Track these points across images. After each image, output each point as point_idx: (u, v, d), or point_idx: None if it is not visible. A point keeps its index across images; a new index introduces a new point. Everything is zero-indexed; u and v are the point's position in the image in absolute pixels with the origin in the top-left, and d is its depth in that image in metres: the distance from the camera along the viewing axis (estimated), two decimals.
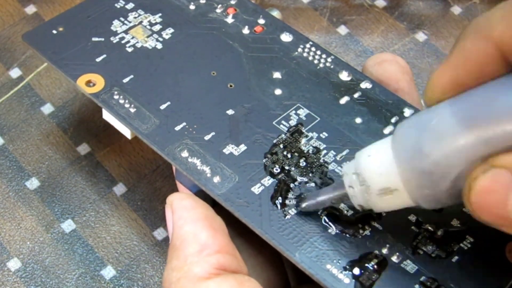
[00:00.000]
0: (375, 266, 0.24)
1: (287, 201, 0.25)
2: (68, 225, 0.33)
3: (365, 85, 0.29)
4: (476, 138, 0.19)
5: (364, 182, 0.22)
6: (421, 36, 0.39)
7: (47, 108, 0.36)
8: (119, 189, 0.34)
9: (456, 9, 0.40)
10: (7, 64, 0.37)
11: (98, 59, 0.29)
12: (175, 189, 0.34)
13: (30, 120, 0.35)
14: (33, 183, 0.34)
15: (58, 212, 0.33)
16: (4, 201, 0.33)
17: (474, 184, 0.19)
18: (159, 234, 0.33)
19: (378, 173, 0.21)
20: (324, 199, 0.24)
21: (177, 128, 0.27)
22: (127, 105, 0.28)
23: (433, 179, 0.20)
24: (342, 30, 0.39)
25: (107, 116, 0.28)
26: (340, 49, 0.39)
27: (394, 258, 0.24)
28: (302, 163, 0.26)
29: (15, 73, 0.37)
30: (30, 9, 0.39)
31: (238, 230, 0.27)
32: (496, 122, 0.19)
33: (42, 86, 0.37)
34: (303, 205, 0.25)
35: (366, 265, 0.24)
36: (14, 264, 0.32)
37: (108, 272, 0.32)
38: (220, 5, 0.32)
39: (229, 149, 0.26)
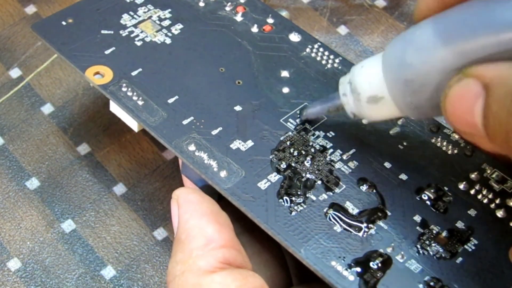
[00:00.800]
0: (380, 265, 0.24)
1: (293, 198, 0.25)
2: (68, 225, 0.33)
3: None
4: (452, 50, 0.20)
5: (355, 90, 0.24)
6: None
7: (47, 108, 0.36)
8: (119, 189, 0.34)
9: None
10: (7, 64, 0.37)
11: (107, 52, 0.30)
12: (175, 189, 0.34)
13: (30, 120, 0.35)
14: (33, 183, 0.34)
15: (58, 212, 0.33)
16: (4, 201, 0.33)
17: (448, 92, 0.20)
18: (159, 234, 0.33)
19: (367, 82, 0.23)
20: (322, 107, 0.26)
21: (185, 122, 0.27)
22: (135, 98, 0.28)
23: (414, 88, 0.22)
24: (342, 30, 0.39)
25: (114, 108, 0.28)
26: (340, 49, 0.39)
27: (399, 257, 0.24)
28: (308, 161, 0.26)
29: (15, 73, 0.37)
30: (30, 9, 0.39)
31: (242, 227, 0.27)
32: (470, 36, 0.20)
33: (42, 86, 0.37)
34: (304, 113, 0.27)
35: (371, 263, 0.24)
36: (14, 264, 0.32)
37: (108, 272, 0.32)
38: (229, 3, 0.32)
39: (236, 144, 0.27)
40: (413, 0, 0.40)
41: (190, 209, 0.24)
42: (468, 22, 0.20)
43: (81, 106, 0.36)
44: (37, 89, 0.36)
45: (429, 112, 0.22)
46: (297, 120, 0.27)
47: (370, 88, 0.23)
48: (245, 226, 0.27)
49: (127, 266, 0.32)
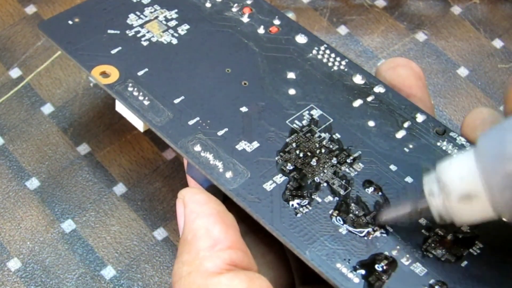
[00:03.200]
0: (385, 267, 0.23)
1: (298, 200, 0.25)
2: (68, 225, 0.33)
3: (378, 89, 0.29)
4: None
5: (444, 188, 0.22)
6: (421, 36, 0.39)
7: (47, 108, 0.36)
8: (119, 189, 0.34)
9: (456, 9, 0.40)
10: (7, 64, 0.37)
11: (113, 51, 0.29)
12: (175, 189, 0.34)
13: (30, 120, 0.35)
14: (33, 183, 0.34)
15: (58, 212, 0.33)
16: (4, 201, 0.33)
17: None
18: (159, 234, 0.33)
19: (459, 177, 0.21)
20: (405, 212, 0.24)
21: (191, 122, 0.27)
22: (141, 98, 0.28)
23: None
24: (342, 30, 0.39)
25: (120, 108, 0.28)
26: (340, 49, 0.39)
27: (404, 260, 0.24)
28: (314, 163, 0.26)
29: (15, 73, 0.37)
30: (30, 9, 0.39)
31: (246, 228, 0.27)
32: None
33: (42, 86, 0.37)
34: (383, 218, 0.25)
35: (376, 265, 0.24)
36: (14, 264, 0.32)
37: (108, 272, 0.32)
38: (236, 4, 0.32)
39: (242, 145, 0.27)
40: (413, 0, 0.40)
41: (197, 209, 0.24)
42: None
43: (81, 106, 0.36)
44: (37, 89, 0.36)
45: None
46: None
47: (462, 185, 0.21)
48: (249, 227, 0.27)
49: (127, 266, 0.32)
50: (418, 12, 0.40)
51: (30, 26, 0.38)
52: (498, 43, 0.39)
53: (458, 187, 0.21)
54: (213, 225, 0.24)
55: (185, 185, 0.34)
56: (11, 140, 0.35)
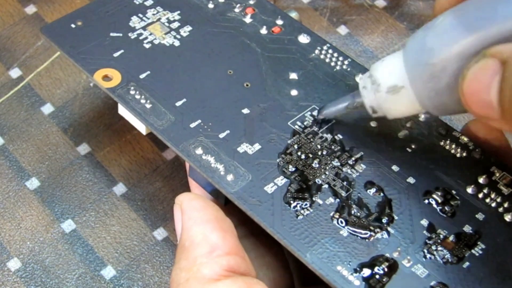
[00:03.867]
0: (386, 269, 0.23)
1: (299, 202, 0.25)
2: (68, 225, 0.33)
3: None
4: (472, 34, 0.21)
5: (375, 81, 0.24)
6: None
7: (47, 108, 0.36)
8: (119, 189, 0.34)
9: None
10: (7, 64, 0.37)
11: (116, 54, 0.29)
12: (175, 189, 0.34)
13: (30, 120, 0.35)
14: (33, 183, 0.34)
15: (58, 212, 0.33)
16: (4, 201, 0.33)
17: (466, 72, 0.20)
18: (159, 234, 0.33)
19: (387, 72, 0.24)
20: (341, 105, 0.27)
21: (192, 125, 0.27)
22: (143, 101, 0.28)
23: (434, 72, 0.22)
24: (342, 30, 0.39)
25: (122, 111, 0.28)
26: (340, 49, 0.38)
27: (405, 262, 0.24)
28: (316, 164, 0.26)
29: (15, 73, 0.37)
30: (30, 9, 0.39)
31: (247, 231, 0.27)
32: (490, 20, 0.21)
33: (42, 86, 0.37)
34: (323, 111, 0.27)
35: (377, 268, 0.23)
36: (14, 264, 0.32)
37: (108, 272, 0.32)
38: (238, 5, 0.32)
39: (244, 147, 0.26)
40: (413, 0, 0.40)
41: (194, 215, 0.24)
42: (487, 9, 0.21)
43: (81, 106, 0.36)
44: (37, 89, 0.36)
45: (448, 103, 0.23)
46: (315, 118, 0.28)
47: (390, 78, 0.24)
48: (250, 230, 0.27)
49: (127, 266, 0.32)
50: (418, 12, 0.40)
51: (30, 26, 0.38)
52: None
53: (387, 80, 0.24)
54: (211, 232, 0.24)
55: (186, 185, 0.34)
56: (11, 140, 0.35)
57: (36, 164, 0.34)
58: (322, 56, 0.30)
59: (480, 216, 0.25)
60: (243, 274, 0.23)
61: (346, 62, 0.30)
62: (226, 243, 0.23)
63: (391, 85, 0.24)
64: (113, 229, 0.33)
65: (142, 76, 0.29)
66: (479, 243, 0.24)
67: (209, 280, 0.23)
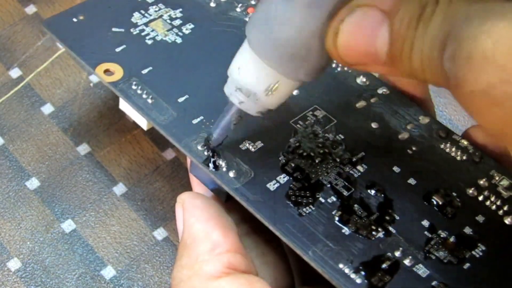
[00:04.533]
0: (387, 268, 0.23)
1: (302, 200, 0.25)
2: (68, 225, 0.33)
3: (382, 90, 0.29)
4: (319, 9, 0.20)
5: (249, 93, 0.23)
6: None
7: (47, 108, 0.36)
8: (119, 189, 0.34)
9: None
10: (7, 64, 0.37)
11: (118, 49, 0.29)
12: (175, 189, 0.34)
13: (30, 120, 0.35)
14: (33, 183, 0.34)
15: (58, 212, 0.33)
16: (4, 201, 0.33)
17: (341, 26, 0.19)
18: (159, 234, 0.33)
19: (255, 78, 0.23)
20: (225, 124, 0.25)
21: (194, 121, 0.27)
22: (145, 96, 0.28)
23: (302, 57, 0.21)
24: None
25: (123, 106, 0.28)
26: None
27: (407, 262, 0.24)
28: (317, 163, 0.26)
29: (15, 73, 0.37)
30: (30, 9, 0.39)
31: (248, 229, 0.27)
32: None
33: (42, 86, 0.37)
34: (213, 139, 0.26)
35: (379, 266, 0.23)
36: (14, 264, 0.32)
37: (108, 272, 0.32)
38: (240, 4, 0.32)
39: (246, 145, 0.26)
40: None
41: (196, 213, 0.24)
42: None
43: (81, 106, 0.36)
44: (37, 89, 0.36)
45: (323, 65, 0.22)
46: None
47: (261, 83, 0.23)
48: (251, 228, 0.27)
49: (127, 266, 0.32)
50: None
51: (30, 26, 0.38)
52: None
53: (260, 86, 0.23)
54: (212, 229, 0.24)
55: (186, 185, 0.34)
56: (11, 140, 0.35)
57: (36, 164, 0.34)
58: None
59: (480, 218, 0.25)
60: (244, 272, 0.23)
61: None
62: (227, 241, 0.24)
63: (266, 87, 0.23)
64: (113, 229, 0.33)
65: (144, 71, 0.29)
66: (479, 244, 0.24)
67: (210, 277, 0.23)
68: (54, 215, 0.33)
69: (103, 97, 0.36)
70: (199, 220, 0.24)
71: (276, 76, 0.22)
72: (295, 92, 0.28)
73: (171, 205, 0.33)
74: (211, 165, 0.25)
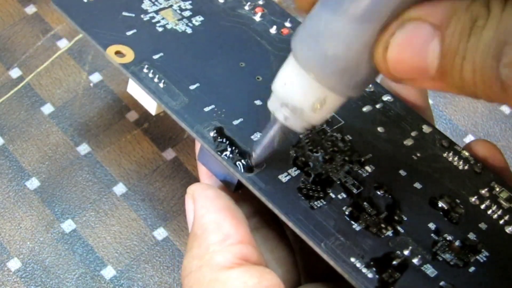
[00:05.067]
0: (397, 266, 0.24)
1: (313, 194, 0.25)
2: (68, 225, 0.33)
3: (386, 97, 0.29)
4: (368, 24, 0.20)
5: (295, 109, 0.22)
6: None
7: (47, 108, 0.36)
8: (119, 189, 0.34)
9: None
10: (7, 64, 0.37)
11: (128, 33, 0.29)
12: (175, 189, 0.34)
13: (30, 120, 0.35)
14: (33, 183, 0.34)
15: (58, 212, 0.33)
16: (4, 201, 0.33)
17: (392, 40, 0.19)
18: (159, 234, 0.33)
19: (302, 95, 0.22)
20: (268, 141, 0.24)
21: (206, 109, 0.27)
22: (156, 80, 0.27)
23: (351, 73, 0.21)
24: None
25: (132, 89, 0.28)
26: None
27: (415, 261, 0.24)
28: (327, 160, 0.26)
29: (15, 73, 0.37)
30: (30, 9, 0.39)
31: (255, 224, 0.27)
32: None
33: (42, 86, 0.37)
34: (254, 156, 0.25)
35: (389, 263, 0.24)
36: (14, 264, 0.32)
37: (108, 272, 0.32)
38: (248, 3, 0.32)
39: (257, 136, 0.26)
40: None
41: (207, 204, 0.24)
42: None
43: (81, 106, 0.36)
44: (37, 89, 0.36)
45: (370, 82, 0.22)
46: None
47: (308, 98, 0.22)
48: (259, 223, 0.27)
49: (127, 266, 0.32)
50: None
51: (30, 26, 0.38)
52: None
53: (306, 102, 0.22)
54: (223, 220, 0.24)
55: (186, 184, 0.34)
56: (11, 140, 0.35)
57: (36, 164, 0.34)
58: None
59: (483, 225, 0.26)
60: (255, 263, 0.23)
61: None
62: (238, 232, 0.23)
63: (313, 103, 0.22)
64: (113, 229, 0.33)
65: (156, 57, 0.28)
66: (483, 250, 0.25)
67: (222, 268, 0.23)
68: (54, 215, 0.33)
69: (103, 97, 0.36)
70: (210, 211, 0.24)
71: (324, 92, 0.22)
72: None
73: (171, 205, 0.33)
74: (227, 153, 0.25)
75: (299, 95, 0.22)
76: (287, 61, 0.22)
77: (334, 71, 0.21)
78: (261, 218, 0.26)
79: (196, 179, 0.34)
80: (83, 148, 0.35)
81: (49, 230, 0.32)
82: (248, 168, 0.25)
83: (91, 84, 0.37)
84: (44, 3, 0.39)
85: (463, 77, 0.18)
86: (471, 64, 0.18)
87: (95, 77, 0.37)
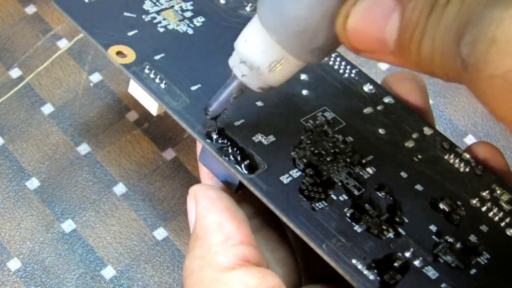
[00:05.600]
0: (398, 268, 0.24)
1: (314, 195, 0.25)
2: (68, 225, 0.33)
3: (387, 99, 0.29)
4: None
5: (252, 66, 0.23)
6: None
7: (47, 108, 0.36)
8: (119, 189, 0.34)
9: None
10: (7, 64, 0.37)
11: (130, 33, 0.29)
12: (175, 189, 0.34)
13: (30, 120, 0.35)
14: (33, 183, 0.34)
15: (58, 212, 0.33)
16: (4, 201, 0.33)
17: (353, 9, 0.19)
18: (159, 234, 0.33)
19: (260, 52, 0.23)
20: (225, 97, 0.25)
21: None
22: (157, 81, 0.27)
23: (310, 35, 0.21)
24: None
25: (133, 89, 0.28)
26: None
27: (417, 263, 0.24)
28: (328, 162, 0.26)
29: (15, 73, 0.37)
30: (30, 9, 0.39)
31: (257, 225, 0.27)
32: None
33: (42, 86, 0.37)
34: (210, 109, 0.26)
35: (390, 265, 0.23)
36: (14, 264, 0.32)
37: (108, 272, 0.32)
38: (250, 4, 0.32)
39: (259, 137, 0.26)
40: None
41: (208, 204, 0.24)
42: None
43: (81, 106, 0.36)
44: (37, 89, 0.36)
45: (330, 49, 0.22)
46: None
47: (266, 57, 0.23)
48: (260, 224, 0.27)
49: (127, 266, 0.32)
50: None
51: (30, 26, 0.38)
52: None
53: (264, 60, 0.23)
54: (225, 221, 0.24)
55: (186, 184, 0.34)
56: (11, 140, 0.35)
57: (36, 164, 0.34)
58: (330, 63, 0.30)
59: (484, 228, 0.25)
60: (256, 264, 0.23)
61: (353, 71, 0.30)
62: (240, 233, 0.23)
63: (270, 63, 0.23)
64: (113, 229, 0.33)
65: (157, 57, 0.28)
66: (484, 252, 0.25)
67: (224, 269, 0.23)
68: (54, 215, 0.33)
69: (103, 97, 0.36)
70: (211, 212, 0.24)
71: (282, 53, 0.22)
72: (304, 92, 0.28)
73: (171, 205, 0.33)
74: (229, 154, 0.25)
75: (257, 53, 0.23)
76: (251, 20, 0.23)
77: (294, 34, 0.21)
78: (262, 219, 0.26)
79: (196, 179, 0.34)
80: (83, 148, 0.35)
81: (49, 230, 0.32)
82: (250, 169, 0.25)
83: (91, 84, 0.37)
84: (44, 3, 0.39)
85: (421, 53, 0.18)
86: (430, 40, 0.18)
87: (95, 77, 0.37)
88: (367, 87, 0.29)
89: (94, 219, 0.33)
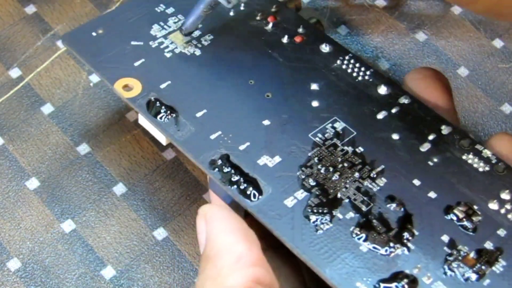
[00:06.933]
0: (406, 286, 0.23)
1: (319, 216, 0.25)
2: (68, 225, 0.33)
3: (403, 100, 0.28)
4: None
5: None
6: (421, 36, 0.39)
7: (47, 108, 0.36)
8: (119, 189, 0.34)
9: (456, 9, 0.40)
10: (7, 64, 0.37)
11: (136, 64, 0.29)
12: (175, 189, 0.34)
13: (30, 120, 0.35)
14: (33, 183, 0.34)
15: (58, 212, 0.33)
16: (4, 201, 0.33)
17: None
18: (159, 234, 0.33)
19: None
20: (198, 12, 0.29)
21: (213, 136, 0.27)
22: (162, 112, 0.28)
23: None
24: (342, 30, 0.39)
25: (143, 121, 0.28)
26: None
27: (425, 279, 0.23)
28: (336, 178, 0.26)
29: (15, 73, 0.37)
30: (30, 9, 0.39)
31: (266, 244, 0.27)
32: None
33: (42, 86, 0.37)
34: (185, 26, 0.29)
35: (397, 284, 0.23)
36: (14, 264, 0.32)
37: (108, 272, 0.32)
38: (260, 13, 0.31)
39: (264, 160, 0.26)
40: (413, 0, 0.40)
41: (219, 225, 0.24)
42: None
43: (81, 106, 0.36)
44: (37, 89, 0.36)
45: None
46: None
47: None
48: (268, 243, 0.27)
49: (127, 266, 0.32)
50: (418, 12, 0.40)
51: (30, 26, 0.38)
52: (498, 43, 0.39)
53: None
54: (236, 242, 0.23)
55: (186, 184, 0.34)
56: (11, 140, 0.35)
57: (36, 164, 0.34)
58: (344, 66, 0.30)
59: (501, 232, 0.25)
60: (268, 285, 0.23)
61: (368, 73, 0.29)
62: (251, 254, 0.23)
63: None
64: (113, 229, 0.33)
65: (163, 86, 0.29)
66: (500, 259, 0.24)
67: None
68: (54, 215, 0.33)
69: (103, 97, 0.36)
70: (223, 232, 0.24)
71: None
72: (314, 104, 0.28)
73: (171, 205, 0.33)
74: (234, 183, 0.25)
75: None
76: None
77: None
78: (270, 238, 0.26)
79: (196, 179, 0.34)
80: (83, 148, 0.35)
81: (49, 230, 0.32)
82: (254, 195, 0.25)
83: (91, 84, 0.37)
84: (44, 3, 0.39)
85: None
86: None
87: (95, 77, 0.37)
88: (382, 89, 0.29)
89: (94, 219, 0.33)
